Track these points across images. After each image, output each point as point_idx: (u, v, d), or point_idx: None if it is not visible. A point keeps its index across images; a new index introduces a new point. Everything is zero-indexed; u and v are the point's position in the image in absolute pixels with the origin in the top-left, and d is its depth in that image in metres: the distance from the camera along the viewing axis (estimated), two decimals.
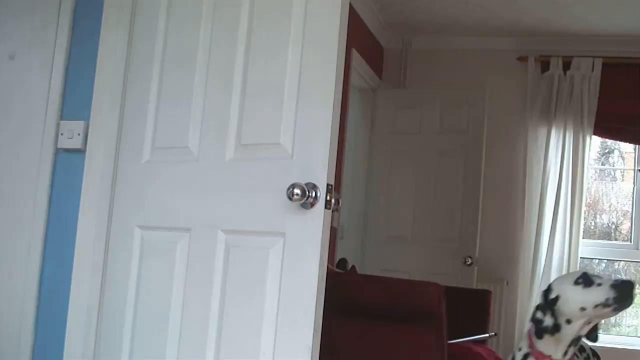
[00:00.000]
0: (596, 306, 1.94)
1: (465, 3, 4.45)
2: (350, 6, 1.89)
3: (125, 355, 2.14)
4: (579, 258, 4.70)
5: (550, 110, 4.77)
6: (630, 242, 4.89)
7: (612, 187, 5.32)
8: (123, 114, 2.30)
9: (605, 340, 4.79)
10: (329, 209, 1.76)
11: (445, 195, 4.67)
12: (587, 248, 4.84)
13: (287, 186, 1.74)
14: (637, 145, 4.98)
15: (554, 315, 1.99)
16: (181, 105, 2.13)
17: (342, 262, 4.09)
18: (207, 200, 2.01)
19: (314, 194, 1.74)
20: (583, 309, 1.96)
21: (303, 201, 1.74)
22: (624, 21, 4.46)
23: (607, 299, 1.93)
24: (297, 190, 1.72)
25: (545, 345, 2.02)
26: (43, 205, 2.40)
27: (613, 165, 5.45)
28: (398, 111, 4.92)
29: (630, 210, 4.93)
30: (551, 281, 2.18)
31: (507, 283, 4.76)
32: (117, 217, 2.26)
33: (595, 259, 5.02)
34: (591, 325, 2.01)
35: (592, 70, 4.70)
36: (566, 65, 4.77)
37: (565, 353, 2.01)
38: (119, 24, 2.33)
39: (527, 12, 4.49)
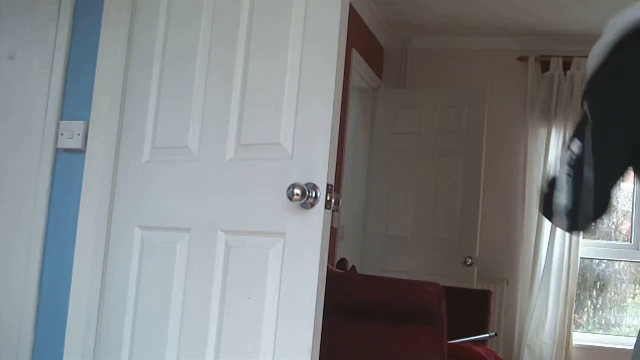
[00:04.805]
0: None
1: (466, 3, 4.45)
2: (350, 6, 1.89)
3: (125, 355, 2.14)
4: (579, 258, 4.71)
5: (550, 111, 4.77)
6: (630, 242, 4.89)
7: None
8: (123, 113, 2.30)
9: (605, 340, 4.80)
10: (329, 209, 1.76)
11: (445, 195, 4.67)
12: (587, 248, 4.84)
13: (287, 186, 1.74)
14: None
15: None
16: (181, 104, 2.13)
17: (342, 262, 4.09)
18: (207, 200, 2.01)
19: (314, 194, 1.74)
20: None
21: (303, 201, 1.74)
22: None
23: None
24: (297, 190, 1.72)
25: None
26: (43, 205, 2.40)
27: None
28: (398, 111, 4.92)
29: (630, 210, 4.93)
30: None
31: (507, 283, 4.77)
32: (117, 217, 2.26)
33: (595, 259, 5.01)
34: None
35: None
36: (566, 65, 4.78)
37: None
38: (119, 23, 2.33)
39: (527, 12, 4.48)
